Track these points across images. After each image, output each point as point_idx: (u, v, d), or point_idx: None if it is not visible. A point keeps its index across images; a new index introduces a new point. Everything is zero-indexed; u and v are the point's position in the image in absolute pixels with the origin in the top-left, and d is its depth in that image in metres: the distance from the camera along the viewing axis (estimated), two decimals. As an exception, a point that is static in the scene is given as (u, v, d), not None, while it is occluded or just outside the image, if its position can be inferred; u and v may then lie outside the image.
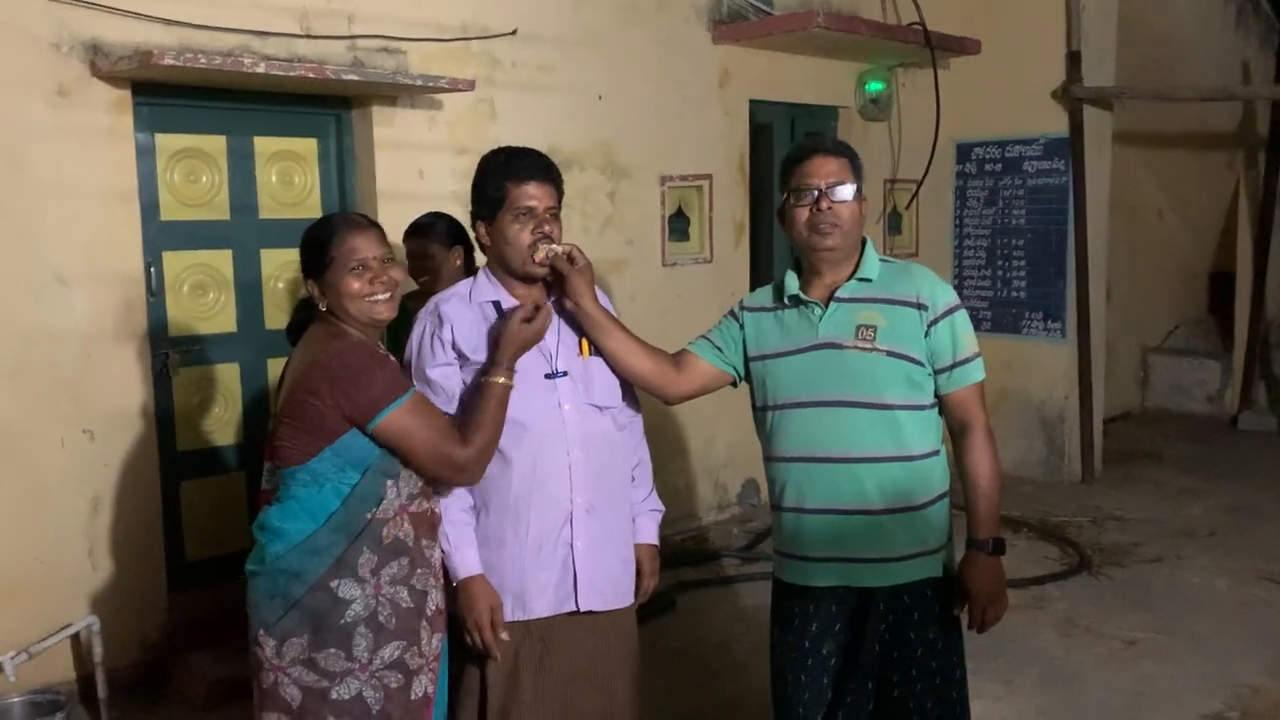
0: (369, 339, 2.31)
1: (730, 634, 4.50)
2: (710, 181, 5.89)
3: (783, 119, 6.36)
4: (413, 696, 2.28)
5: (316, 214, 4.66)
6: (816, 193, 2.38)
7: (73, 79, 3.81)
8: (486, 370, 2.34)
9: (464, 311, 2.46)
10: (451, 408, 2.42)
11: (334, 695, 2.19)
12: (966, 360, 2.41)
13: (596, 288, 2.62)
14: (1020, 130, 6.93)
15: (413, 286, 3.84)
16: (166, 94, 4.14)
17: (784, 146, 6.36)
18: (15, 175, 3.73)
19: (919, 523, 2.42)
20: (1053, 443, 6.92)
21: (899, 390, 2.38)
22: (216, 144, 4.39)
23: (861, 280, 2.43)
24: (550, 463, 2.42)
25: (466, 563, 2.40)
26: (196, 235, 4.36)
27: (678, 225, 5.85)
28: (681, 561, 5.24)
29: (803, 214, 2.40)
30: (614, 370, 2.53)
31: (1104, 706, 3.80)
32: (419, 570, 2.30)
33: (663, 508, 2.74)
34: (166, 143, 4.25)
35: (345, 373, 2.18)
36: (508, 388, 2.32)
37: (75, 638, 3.82)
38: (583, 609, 2.46)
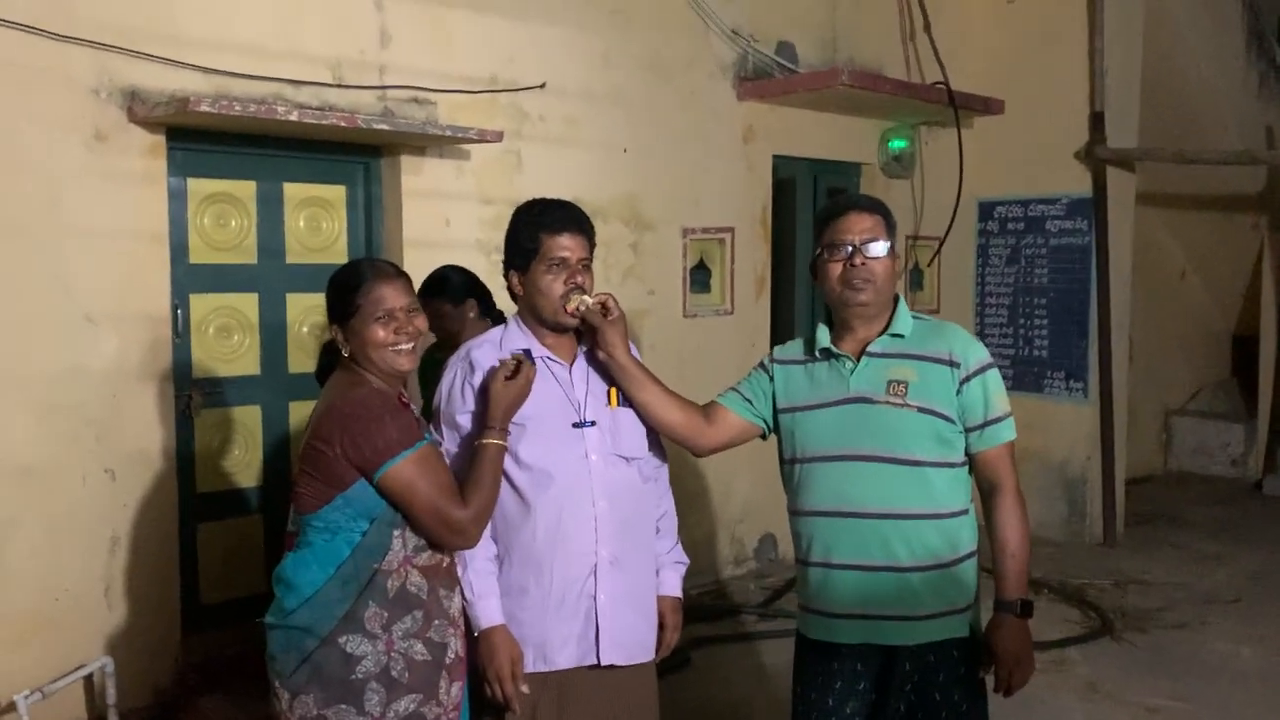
0: (390, 388, 2.32)
1: (745, 693, 4.44)
2: (732, 234, 5.92)
3: (805, 174, 6.41)
4: None
5: (343, 259, 4.71)
6: (850, 248, 2.40)
7: (110, 124, 3.88)
8: (480, 433, 2.35)
9: (494, 359, 2.47)
10: None
11: None
12: (998, 419, 2.41)
13: (629, 345, 2.64)
14: (1043, 189, 6.95)
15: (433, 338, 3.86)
16: (200, 140, 4.21)
17: (806, 201, 6.42)
18: (50, 216, 3.79)
19: (947, 581, 2.40)
20: (1074, 504, 6.85)
21: (929, 447, 2.38)
22: (247, 189, 4.46)
23: (894, 336, 2.44)
24: (575, 513, 2.41)
25: (489, 613, 2.39)
26: (224, 278, 4.41)
27: (699, 277, 5.88)
28: (697, 617, 5.18)
29: (836, 269, 2.42)
30: (645, 421, 2.54)
31: (1127, 776, 3.72)
32: (436, 622, 2.29)
33: (687, 560, 2.73)
34: (198, 187, 4.32)
35: (357, 421, 2.19)
36: (501, 449, 2.32)
37: (89, 678, 3.81)
38: (604, 663, 2.44)
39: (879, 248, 2.40)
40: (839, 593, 2.42)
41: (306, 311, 4.62)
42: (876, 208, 2.47)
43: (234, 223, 4.44)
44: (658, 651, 2.60)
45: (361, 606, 2.20)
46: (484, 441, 2.32)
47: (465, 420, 2.44)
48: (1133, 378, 7.25)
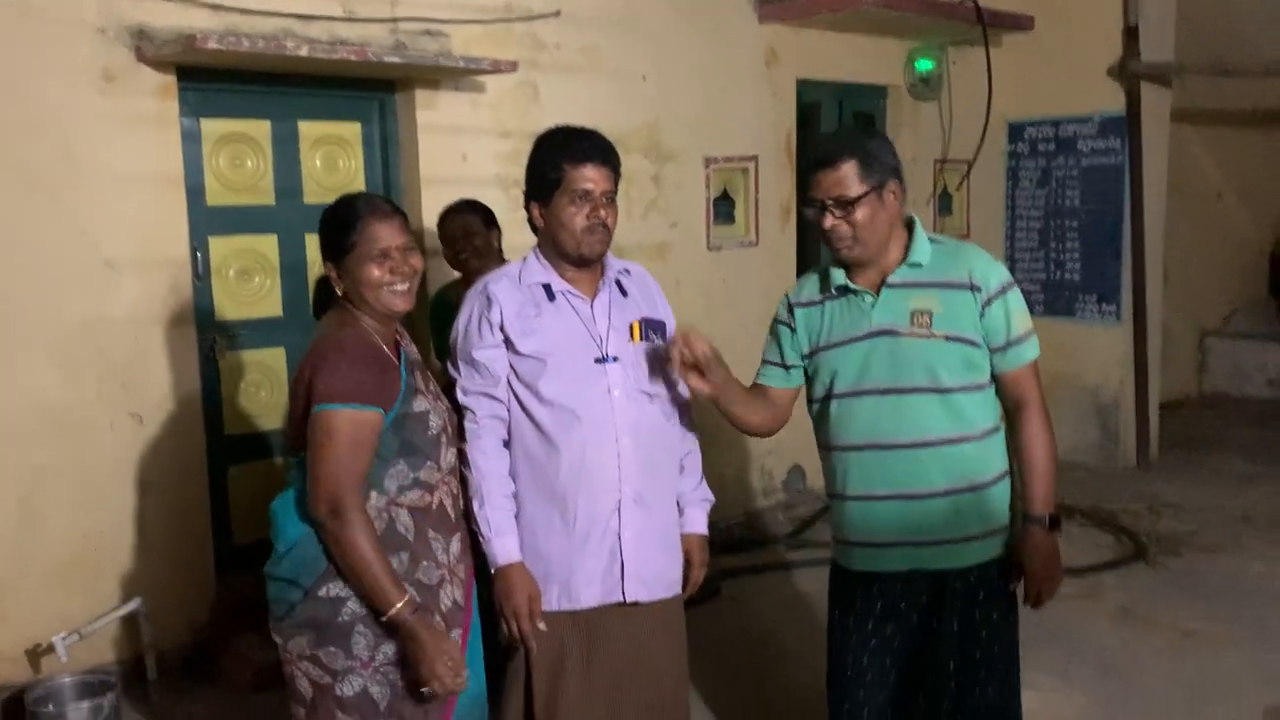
0: (384, 328, 2.26)
1: (776, 622, 4.45)
2: (756, 163, 5.80)
3: (831, 99, 6.25)
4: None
5: (361, 198, 4.66)
6: (821, 207, 2.35)
7: (119, 65, 3.82)
8: (396, 600, 2.12)
9: (514, 294, 2.42)
10: (498, 391, 2.39)
11: (338, 691, 2.18)
12: (1021, 339, 2.39)
13: (652, 280, 2.60)
14: (1074, 109, 6.77)
15: (438, 278, 3.83)
16: (211, 79, 4.15)
17: (832, 127, 6.27)
18: (63, 161, 3.75)
19: (987, 501, 2.42)
20: (1107, 428, 6.77)
21: (958, 373, 2.36)
22: (261, 129, 4.40)
23: (912, 265, 2.39)
24: (599, 450, 2.38)
25: (506, 550, 2.37)
26: (242, 220, 4.37)
27: (723, 208, 5.78)
28: (727, 548, 5.19)
29: (820, 224, 2.38)
30: (732, 424, 2.57)
31: (1162, 699, 3.70)
32: (424, 563, 2.23)
33: (712, 497, 2.70)
34: (212, 128, 4.26)
35: (325, 360, 2.14)
36: (399, 616, 2.12)
37: (126, 619, 3.86)
38: (629, 599, 2.43)
39: (848, 200, 2.32)
40: (883, 523, 2.42)
41: (326, 252, 4.57)
42: (845, 152, 2.33)
43: (250, 163, 4.39)
44: (684, 588, 2.58)
45: None
46: (397, 609, 2.11)
47: (484, 356, 2.40)
48: (1167, 300, 7.12)
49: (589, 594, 2.41)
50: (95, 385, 3.86)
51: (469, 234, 3.75)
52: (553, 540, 2.40)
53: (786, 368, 2.55)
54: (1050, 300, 6.96)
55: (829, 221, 2.33)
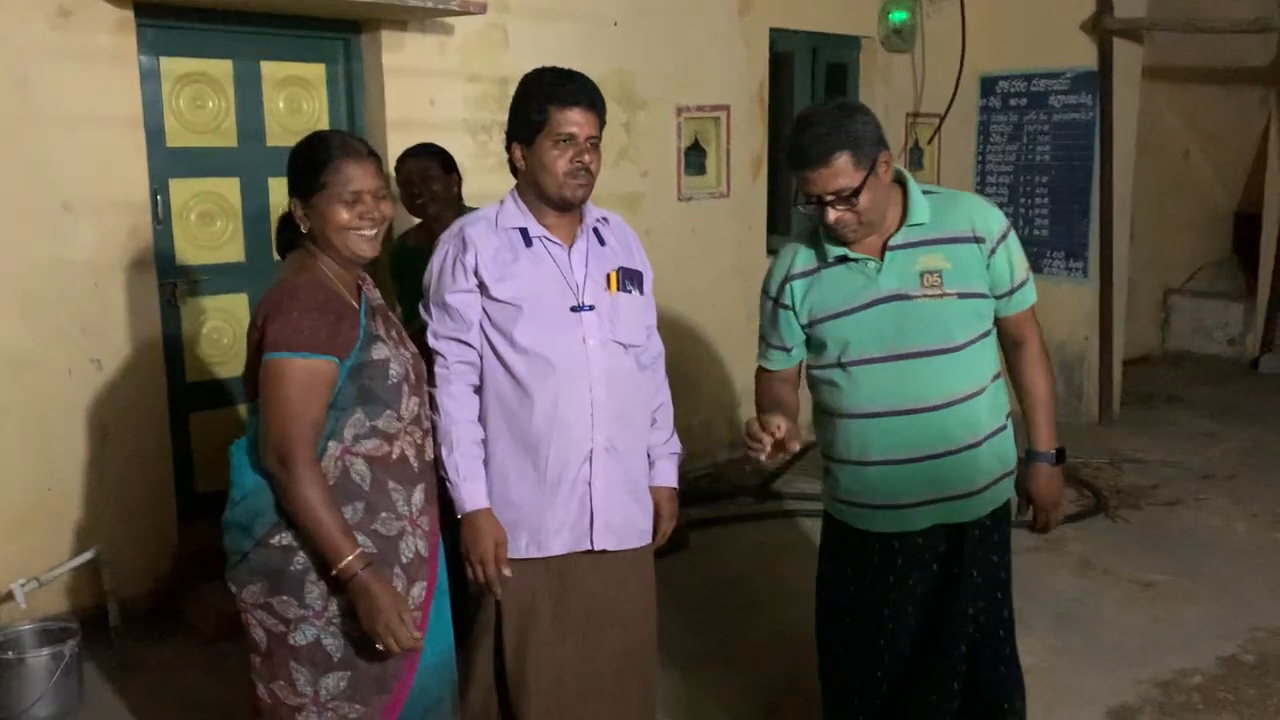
0: (346, 274, 2.19)
1: (744, 571, 4.48)
2: (728, 113, 5.75)
3: (804, 48, 6.19)
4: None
5: (326, 142, 4.57)
6: (819, 202, 2.27)
7: (74, -1, 3.70)
8: (347, 554, 2.04)
9: (490, 237, 2.38)
10: (469, 336, 2.36)
11: (292, 640, 2.13)
12: (1023, 283, 2.42)
13: (630, 230, 2.58)
14: (1047, 63, 6.74)
15: (399, 225, 3.76)
16: (170, 15, 4.03)
17: (805, 77, 6.22)
18: (18, 99, 3.64)
19: (1000, 447, 2.45)
20: (1071, 383, 6.83)
21: (971, 326, 2.36)
22: (223, 69, 4.29)
23: (913, 225, 2.35)
24: (572, 399, 2.35)
25: (474, 495, 2.35)
26: (203, 162, 4.27)
27: (694, 158, 5.73)
28: (695, 500, 5.20)
29: (822, 218, 2.30)
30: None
31: (1119, 648, 3.77)
32: (383, 514, 2.15)
33: (682, 451, 2.70)
34: (172, 66, 4.15)
35: (279, 306, 2.06)
36: (348, 570, 2.03)
37: (87, 567, 3.81)
38: (597, 548, 2.43)
39: (849, 195, 2.24)
40: (910, 486, 2.40)
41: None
42: (836, 146, 2.21)
43: (211, 104, 4.28)
44: (654, 539, 2.58)
45: None
46: (347, 562, 2.03)
47: (456, 300, 2.35)
48: (1133, 257, 7.16)
49: (558, 542, 2.40)
50: (54, 329, 3.78)
51: (426, 179, 3.67)
52: (523, 488, 2.38)
53: (787, 350, 2.51)
54: (1018, 256, 6.98)
55: (833, 215, 2.26)
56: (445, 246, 2.41)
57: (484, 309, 2.36)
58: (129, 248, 3.93)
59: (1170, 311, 8.92)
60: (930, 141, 6.86)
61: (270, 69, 4.40)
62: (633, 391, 2.47)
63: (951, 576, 2.46)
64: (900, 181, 2.37)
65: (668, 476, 2.62)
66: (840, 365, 2.39)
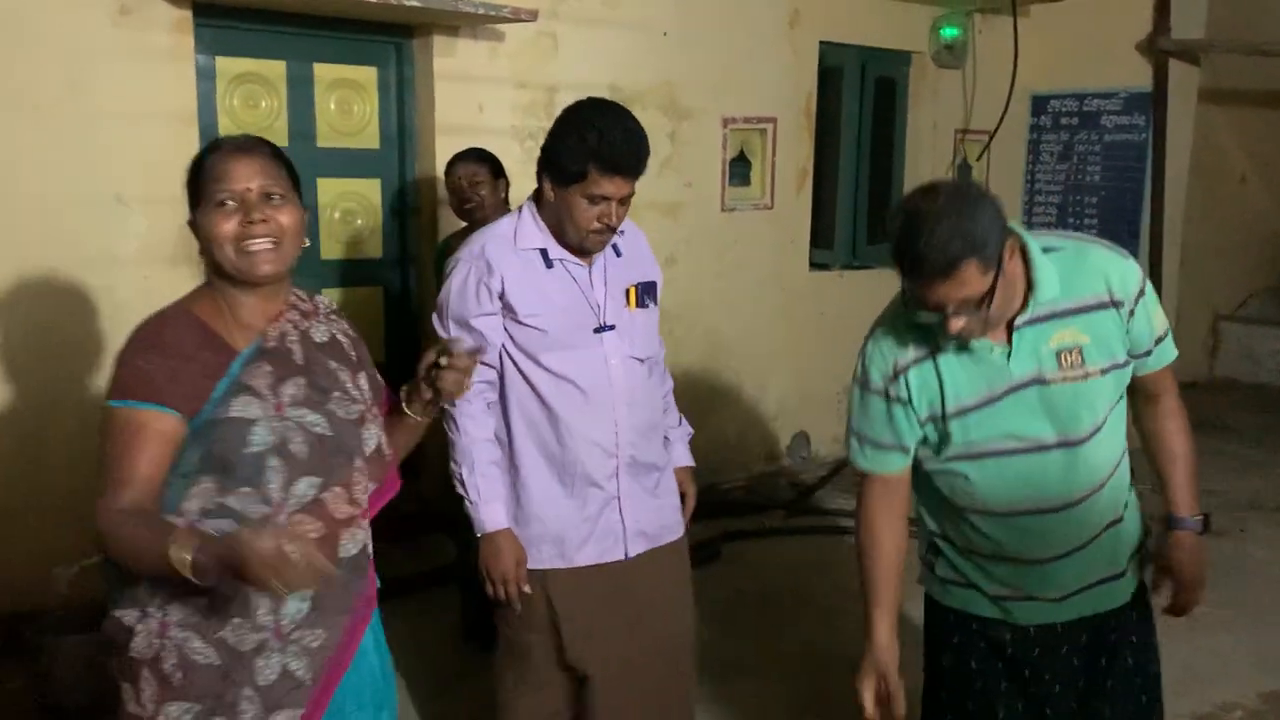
0: (257, 305, 1.75)
1: (776, 586, 4.46)
2: (774, 125, 5.74)
3: (854, 63, 6.18)
4: None
5: (375, 145, 4.63)
6: (943, 315, 1.86)
7: (134, -3, 3.78)
8: (177, 537, 1.51)
9: (511, 258, 2.35)
10: (490, 356, 2.35)
11: None
12: (1163, 339, 2.06)
13: (641, 235, 2.54)
14: (1100, 83, 6.68)
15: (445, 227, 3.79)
16: (227, 16, 4.10)
17: (854, 91, 6.20)
18: (76, 95, 3.72)
19: (1133, 520, 2.17)
20: (1115, 408, 6.73)
21: (1112, 399, 2.04)
22: (276, 69, 4.35)
23: (1042, 302, 1.96)
24: (598, 420, 2.37)
25: (493, 515, 2.37)
26: (254, 161, 4.33)
27: (739, 169, 5.73)
28: (728, 511, 5.19)
29: (945, 327, 1.88)
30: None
31: (1157, 678, 3.70)
32: (235, 620, 1.68)
33: (690, 429, 2.73)
34: (227, 66, 4.22)
35: (125, 345, 1.70)
36: (180, 562, 1.48)
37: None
38: (630, 555, 2.45)
39: (977, 304, 1.84)
40: (1056, 580, 2.10)
41: (338, 197, 4.55)
42: (960, 255, 1.77)
43: (264, 104, 4.35)
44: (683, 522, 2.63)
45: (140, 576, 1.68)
46: (173, 550, 1.48)
47: (481, 324, 2.34)
48: (1182, 281, 7.06)
49: (585, 554, 2.42)
50: (102, 320, 3.85)
51: (475, 183, 3.70)
52: (550, 502, 2.39)
53: (906, 448, 2.06)
54: (1065, 277, 6.90)
55: (956, 326, 1.85)
56: (467, 266, 2.37)
57: (508, 330, 2.36)
58: (179, 242, 3.98)
59: (1220, 338, 8.76)
60: (979, 159, 6.80)
61: (323, 71, 4.46)
62: (650, 402, 2.50)
63: (1095, 671, 2.14)
64: (1019, 245, 1.93)
65: (685, 457, 2.67)
66: (969, 458, 2.03)
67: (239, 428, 1.66)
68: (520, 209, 2.44)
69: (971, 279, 1.80)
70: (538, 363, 2.34)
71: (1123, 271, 1.98)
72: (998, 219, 1.82)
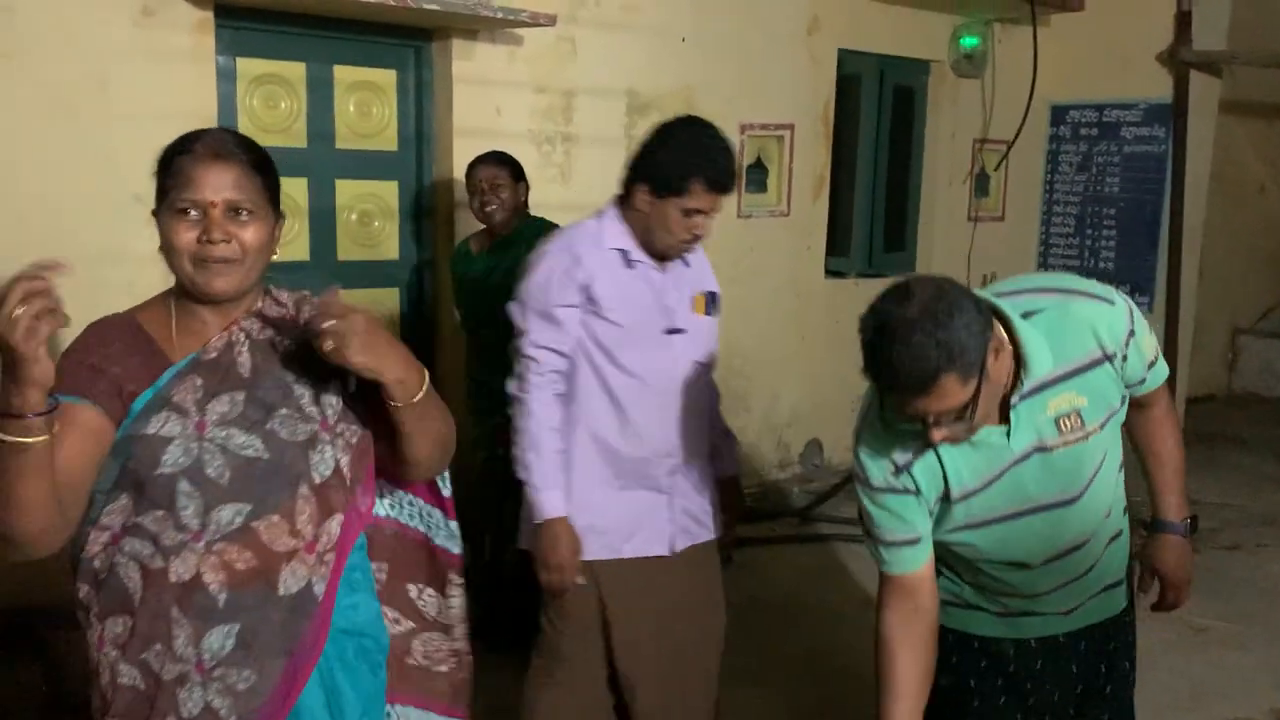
0: (213, 317, 1.63)
1: (785, 592, 4.45)
2: (792, 132, 5.74)
3: (872, 71, 6.17)
4: None
5: (393, 147, 4.65)
6: (923, 424, 1.77)
7: (157, -2, 3.82)
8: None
9: (596, 255, 2.43)
10: (566, 348, 2.42)
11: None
12: (1153, 363, 2.00)
13: (703, 251, 2.61)
14: (1120, 94, 6.65)
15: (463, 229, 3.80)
16: (248, 17, 4.13)
17: (872, 99, 6.19)
18: (98, 95, 3.75)
19: (1126, 531, 2.14)
20: (1131, 420, 6.69)
21: (1110, 442, 1.98)
22: (296, 71, 4.38)
23: (1036, 377, 1.88)
24: (662, 418, 2.47)
25: (553, 502, 2.41)
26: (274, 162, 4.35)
27: (755, 176, 5.72)
28: (740, 517, 5.17)
29: (928, 438, 1.79)
30: None
31: (1169, 691, 3.67)
32: (156, 647, 1.55)
33: (737, 440, 2.85)
34: (247, 67, 4.25)
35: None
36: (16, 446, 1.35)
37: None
38: (678, 549, 2.56)
39: (960, 420, 1.75)
40: (1062, 600, 2.08)
41: (356, 198, 4.57)
42: (937, 370, 1.66)
43: (284, 105, 4.38)
44: (726, 527, 2.73)
45: (78, 582, 1.62)
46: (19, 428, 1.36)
47: (564, 314, 2.40)
48: (1201, 294, 7.02)
49: (631, 546, 2.50)
50: (120, 318, 3.88)
51: (496, 186, 3.73)
52: (604, 495, 2.47)
53: (917, 540, 1.96)
54: (1082, 288, 6.88)
55: (939, 435, 1.76)
56: (554, 258, 2.44)
57: (586, 324, 2.42)
58: (197, 242, 4.02)
59: (1239, 351, 8.71)
60: (997, 168, 6.78)
61: (342, 73, 4.49)
62: (705, 407, 2.61)
63: (1098, 676, 2.14)
64: (1002, 339, 1.80)
65: (733, 467, 2.77)
66: (970, 528, 1.98)
67: (153, 446, 1.54)
68: (603, 209, 2.52)
69: (951, 391, 1.69)
70: (612, 358, 2.42)
71: (1109, 321, 1.88)
72: (976, 325, 1.68)
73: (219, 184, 1.56)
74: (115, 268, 3.86)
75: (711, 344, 2.60)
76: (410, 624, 1.83)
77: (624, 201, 2.46)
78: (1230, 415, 7.91)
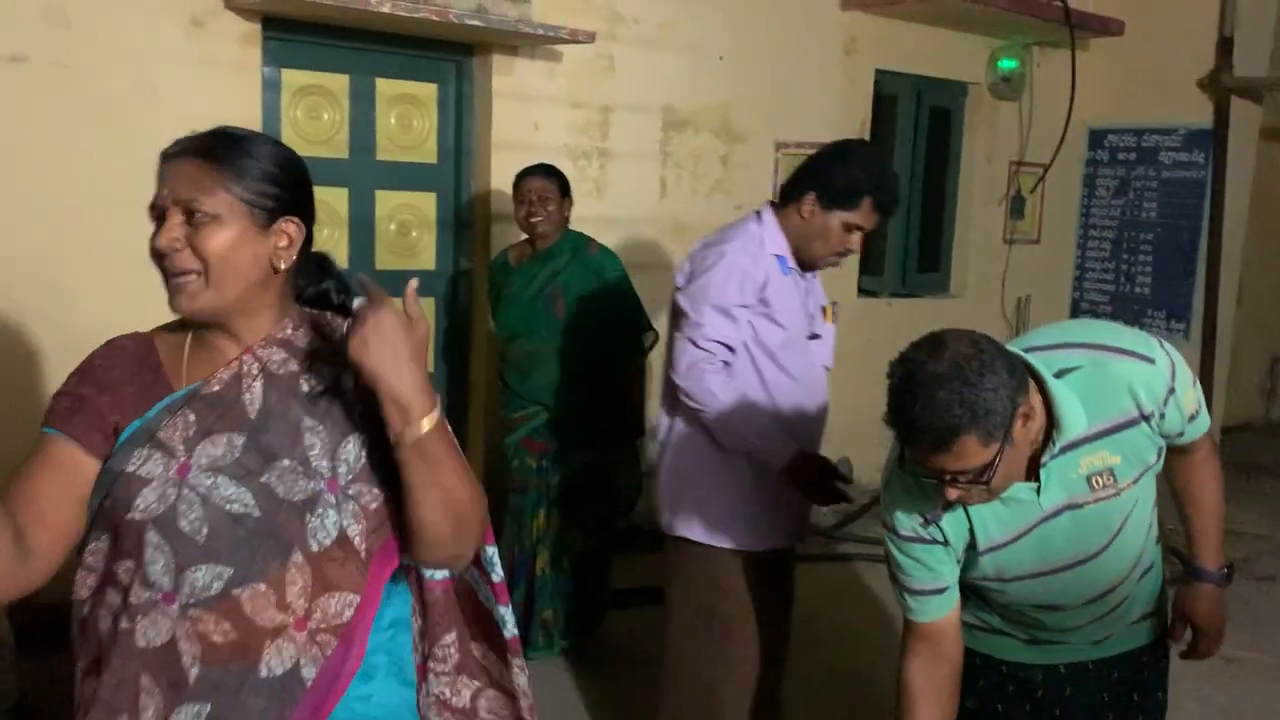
0: (216, 340, 1.44)
1: (808, 610, 4.40)
2: (827, 151, 5.75)
3: (908, 92, 6.18)
4: None
5: (433, 159, 4.72)
6: (941, 481, 1.73)
7: (206, 10, 3.90)
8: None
9: (764, 260, 2.54)
10: (736, 342, 2.52)
11: None
12: (1195, 416, 1.91)
13: (827, 303, 2.80)
14: (1159, 119, 6.61)
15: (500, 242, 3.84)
16: (295, 30, 4.22)
17: (909, 120, 6.20)
18: (148, 103, 3.84)
19: (1158, 564, 2.11)
20: (1165, 447, 6.63)
21: (1144, 494, 1.94)
22: (340, 83, 4.46)
23: (1069, 437, 1.82)
24: (805, 418, 2.62)
25: (786, 444, 2.52)
26: (315, 172, 4.27)
27: (790, 194, 5.74)
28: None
29: (946, 496, 1.75)
30: None
31: (1196, 722, 3.64)
32: (122, 716, 1.36)
33: None
34: (292, 78, 4.33)
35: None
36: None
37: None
38: (793, 546, 2.77)
39: (976, 482, 1.69)
40: (1093, 633, 2.06)
41: (395, 209, 4.64)
42: (957, 430, 1.61)
43: (326, 116, 4.46)
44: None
45: (72, 620, 1.47)
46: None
47: (740, 314, 2.50)
48: (1239, 321, 6.94)
49: (774, 538, 2.65)
50: (153, 319, 3.93)
51: (544, 198, 3.75)
52: (745, 489, 2.59)
53: (944, 590, 1.93)
54: (1118, 314, 6.83)
55: (954, 495, 1.72)
56: (734, 259, 2.51)
57: (754, 324, 2.52)
58: (239, 249, 4.10)
59: (1277, 379, 8.60)
60: (1033, 191, 6.76)
61: (385, 86, 4.57)
62: (826, 411, 2.77)
63: (1131, 706, 2.12)
64: (1035, 378, 1.76)
65: None
66: (999, 580, 1.95)
67: (130, 486, 1.34)
68: (760, 215, 2.61)
69: (970, 452, 1.64)
70: (773, 358, 2.55)
71: (1148, 380, 1.80)
72: (1005, 390, 1.63)
73: (173, 182, 1.36)
74: (150, 270, 3.94)
75: (833, 352, 2.76)
76: (477, 683, 1.59)
77: (781, 208, 2.57)
78: (1267, 444, 7.80)
